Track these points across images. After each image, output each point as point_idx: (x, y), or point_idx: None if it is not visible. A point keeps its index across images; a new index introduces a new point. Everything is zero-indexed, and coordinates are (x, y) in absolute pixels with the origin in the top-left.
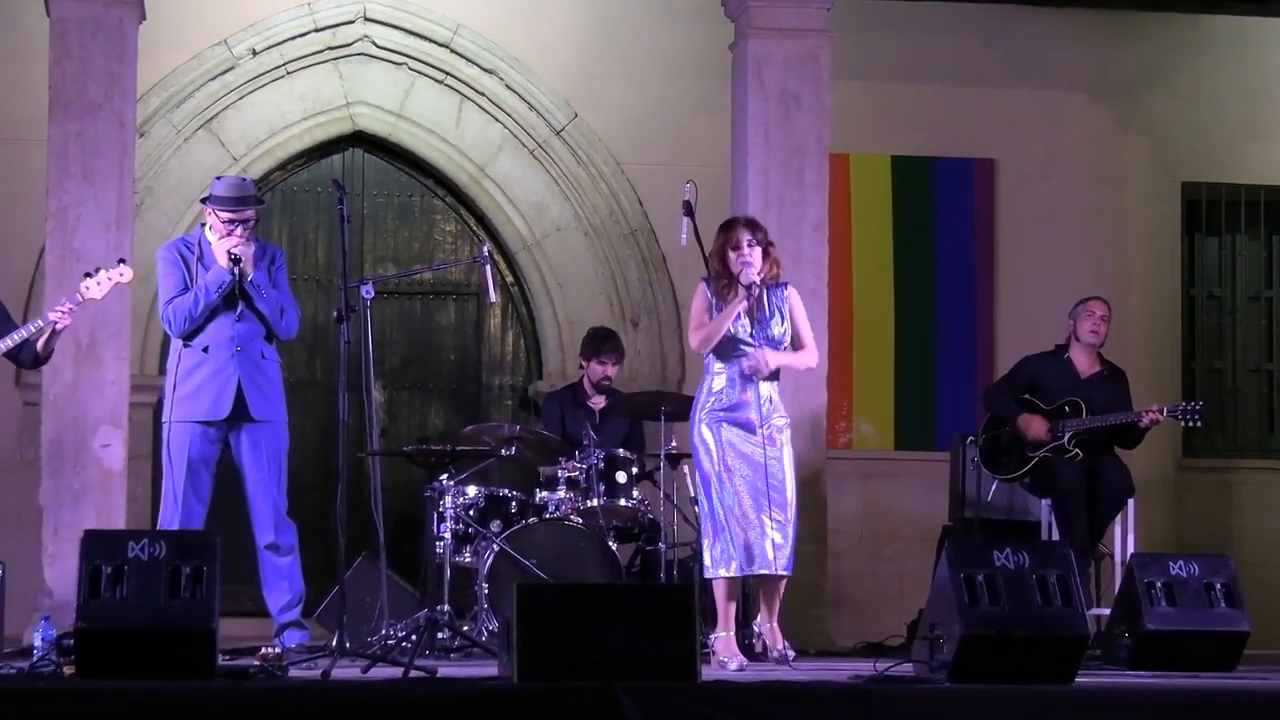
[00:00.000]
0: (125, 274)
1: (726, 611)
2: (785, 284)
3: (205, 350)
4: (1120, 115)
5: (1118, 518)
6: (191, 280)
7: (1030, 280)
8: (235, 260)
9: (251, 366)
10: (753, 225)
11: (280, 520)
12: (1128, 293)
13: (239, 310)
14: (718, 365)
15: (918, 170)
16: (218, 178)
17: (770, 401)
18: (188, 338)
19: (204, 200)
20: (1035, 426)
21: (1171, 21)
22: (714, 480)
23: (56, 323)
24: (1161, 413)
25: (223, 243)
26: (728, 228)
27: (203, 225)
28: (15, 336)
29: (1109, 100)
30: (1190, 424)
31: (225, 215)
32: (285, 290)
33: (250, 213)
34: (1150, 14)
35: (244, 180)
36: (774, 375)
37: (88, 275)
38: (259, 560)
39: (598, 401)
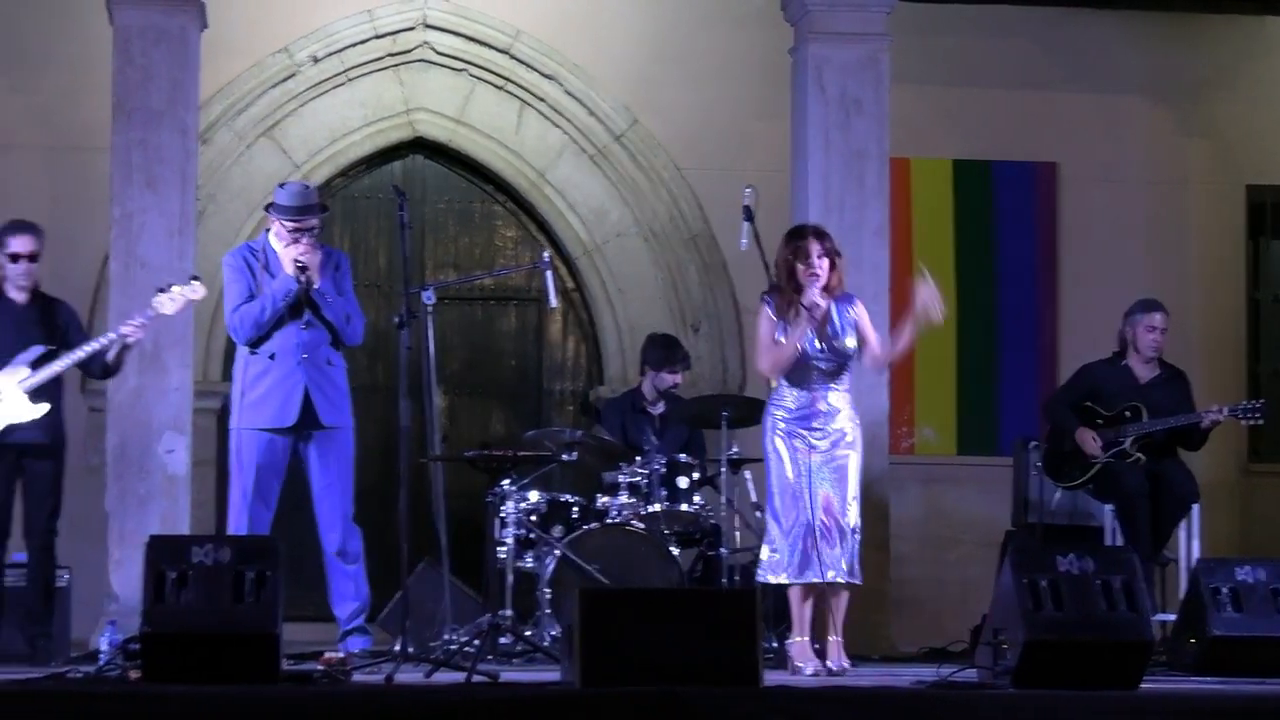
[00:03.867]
0: (199, 290)
1: (800, 616)
2: (852, 296)
3: (271, 357)
4: (1182, 118)
5: (1183, 522)
6: (257, 287)
7: (1092, 284)
8: (302, 268)
9: (318, 374)
10: (821, 235)
11: (348, 527)
12: (1190, 297)
13: (305, 318)
14: (786, 376)
15: (979, 174)
16: (281, 185)
17: (839, 410)
18: (254, 345)
19: (267, 208)
20: (1088, 444)
21: (1234, 23)
22: (781, 489)
23: (128, 336)
24: (1222, 413)
25: (288, 250)
26: (795, 237)
27: (267, 231)
28: (87, 348)
29: (1171, 103)
30: (1251, 422)
31: (290, 224)
32: (350, 296)
33: (315, 221)
34: (1212, 16)
35: (307, 187)
36: (844, 380)
37: (160, 290)
38: (326, 567)
39: (658, 407)
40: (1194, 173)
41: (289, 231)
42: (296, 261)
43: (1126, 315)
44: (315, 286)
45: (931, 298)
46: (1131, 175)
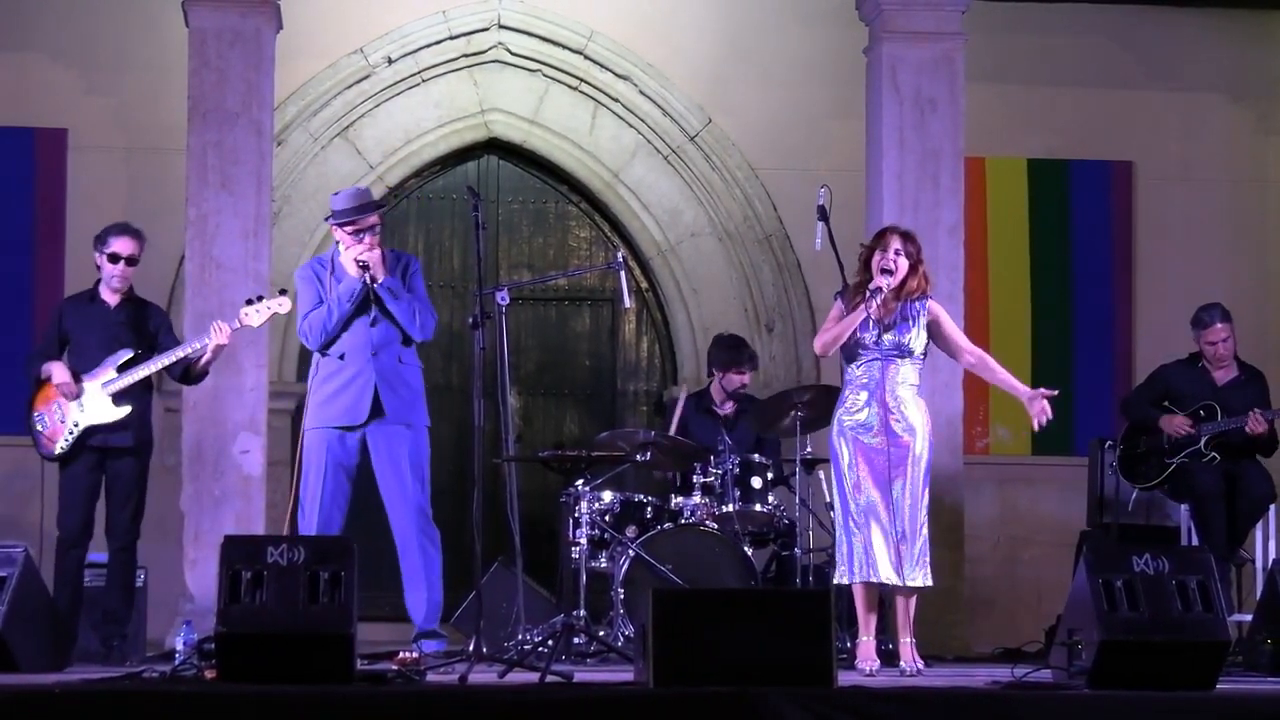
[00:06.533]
0: (284, 305)
1: (865, 617)
2: (925, 297)
3: (342, 357)
4: (1261, 116)
5: (1259, 522)
6: (326, 296)
7: (1168, 283)
8: (364, 266)
9: (389, 371)
10: (906, 236)
11: (424, 525)
12: (1268, 297)
13: (373, 315)
14: (852, 375)
15: (1054, 173)
16: (335, 194)
17: (906, 414)
18: (325, 348)
19: (326, 219)
20: (1177, 422)
21: None
22: (846, 489)
23: (209, 344)
24: (1262, 419)
25: (350, 252)
26: (880, 235)
27: (337, 244)
28: (175, 354)
29: (1249, 101)
30: None
31: (348, 227)
32: (422, 295)
33: (372, 219)
34: None
35: (361, 189)
36: (911, 377)
37: (249, 302)
38: (402, 567)
39: (727, 408)
40: (1274, 171)
41: (349, 234)
42: (357, 260)
43: (1191, 324)
44: (379, 283)
45: (1042, 411)
46: (1209, 174)
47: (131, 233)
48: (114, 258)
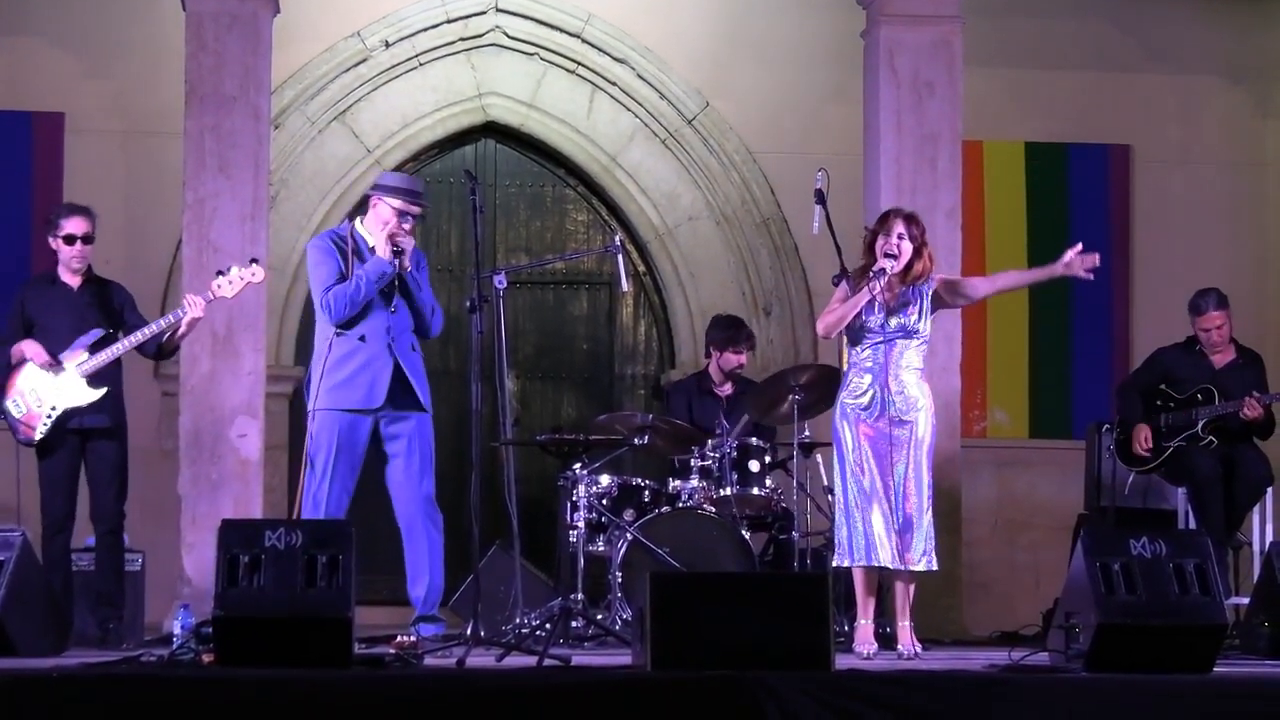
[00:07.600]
0: (257, 274)
1: (864, 600)
2: (931, 279)
3: (362, 339)
4: (1259, 99)
5: (1256, 506)
6: (347, 270)
7: (1166, 267)
8: (398, 251)
9: (404, 357)
10: (910, 219)
11: (430, 510)
12: (1266, 279)
13: (394, 302)
14: (856, 357)
15: (1052, 157)
16: (386, 172)
17: (909, 396)
18: (343, 326)
19: (374, 189)
20: (1142, 438)
21: None
22: (848, 472)
23: (185, 318)
24: (1257, 403)
25: (385, 231)
26: (883, 218)
27: (350, 221)
28: (145, 331)
29: (1247, 84)
30: None
31: (399, 205)
32: (429, 291)
33: (419, 209)
34: None
35: (417, 179)
36: (915, 360)
37: (220, 274)
38: (405, 551)
39: (726, 390)
40: (1272, 154)
41: (396, 212)
42: (393, 243)
43: (1187, 309)
44: (408, 269)
45: (1083, 264)
46: (1207, 157)
47: (82, 212)
48: (70, 239)
